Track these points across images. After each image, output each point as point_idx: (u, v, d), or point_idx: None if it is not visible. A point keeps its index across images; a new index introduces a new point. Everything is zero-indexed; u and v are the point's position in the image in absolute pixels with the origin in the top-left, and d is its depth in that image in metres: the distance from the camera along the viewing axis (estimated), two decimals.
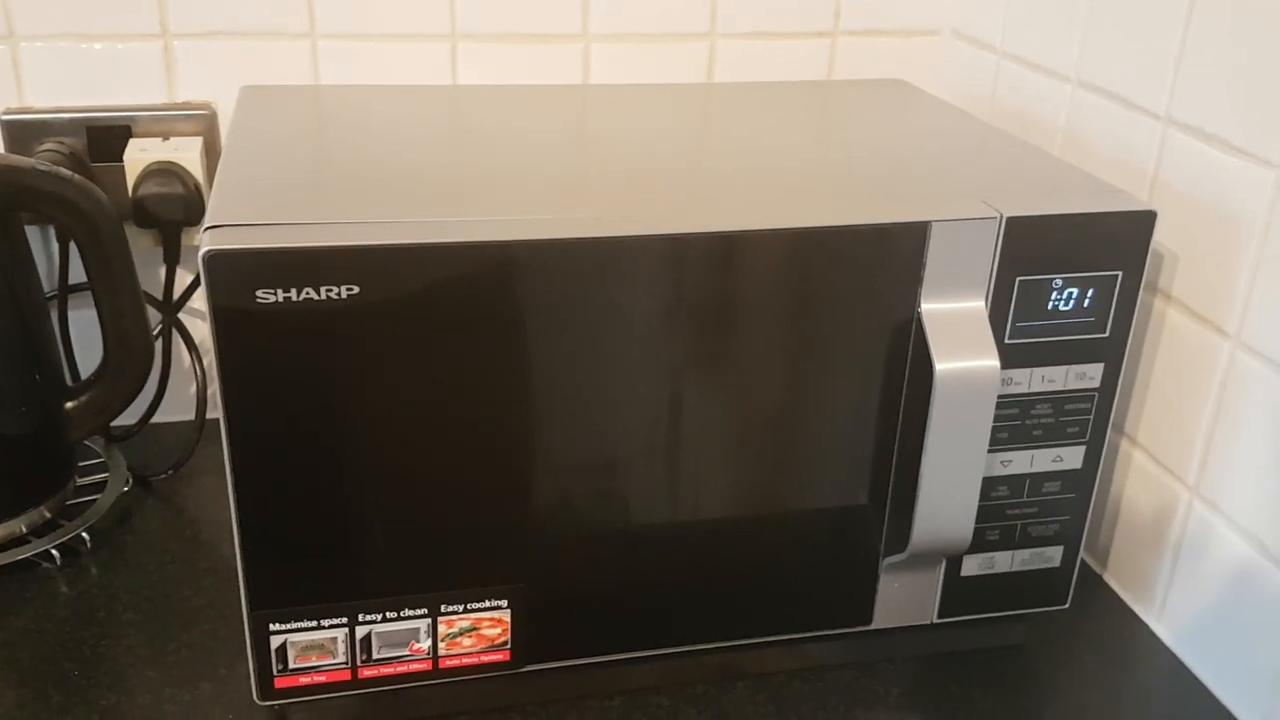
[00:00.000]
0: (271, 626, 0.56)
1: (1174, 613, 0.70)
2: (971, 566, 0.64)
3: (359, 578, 0.57)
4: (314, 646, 0.57)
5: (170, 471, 0.82)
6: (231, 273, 0.49)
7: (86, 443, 0.80)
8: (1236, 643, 0.65)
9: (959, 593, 0.65)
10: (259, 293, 0.50)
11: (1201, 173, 0.66)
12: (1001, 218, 0.57)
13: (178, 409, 0.86)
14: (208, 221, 0.51)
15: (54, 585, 0.71)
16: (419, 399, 0.54)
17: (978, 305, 0.58)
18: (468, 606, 0.59)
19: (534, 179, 0.59)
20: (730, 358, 0.57)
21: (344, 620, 0.57)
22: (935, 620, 0.65)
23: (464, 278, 0.52)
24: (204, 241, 0.50)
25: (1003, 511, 0.63)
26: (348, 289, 0.51)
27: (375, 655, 0.58)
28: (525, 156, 0.63)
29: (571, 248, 0.53)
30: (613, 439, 0.57)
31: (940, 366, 0.57)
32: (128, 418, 0.78)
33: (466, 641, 0.59)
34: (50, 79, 0.79)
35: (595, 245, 0.53)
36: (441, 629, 0.59)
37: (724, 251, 0.54)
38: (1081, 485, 0.64)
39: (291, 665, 0.57)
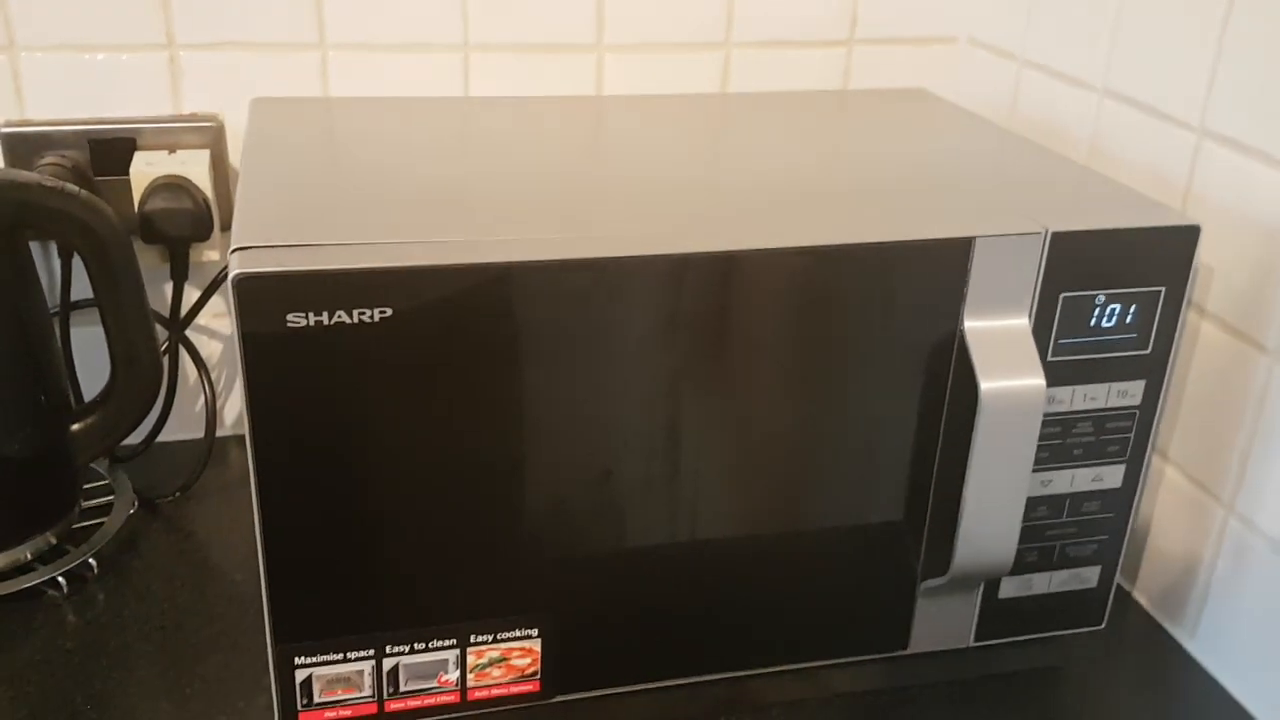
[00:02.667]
0: (297, 660, 0.54)
1: (1208, 633, 0.69)
2: (1009, 588, 0.63)
3: (387, 608, 0.55)
4: (340, 680, 0.55)
5: (177, 494, 0.79)
6: (262, 296, 0.47)
7: (91, 465, 0.78)
8: (1273, 663, 0.64)
9: (996, 615, 0.64)
10: (290, 316, 0.48)
11: (1238, 186, 0.65)
12: (1046, 233, 0.55)
13: (184, 427, 0.84)
14: (235, 242, 0.49)
15: (61, 614, 0.69)
16: (450, 424, 0.52)
17: (1022, 322, 0.57)
18: (497, 636, 0.57)
19: (557, 194, 0.58)
20: (767, 378, 0.55)
21: (371, 652, 0.55)
22: (972, 643, 0.64)
23: (499, 299, 0.50)
24: (233, 264, 0.48)
25: (1042, 532, 0.62)
26: (380, 311, 0.49)
27: (403, 688, 0.56)
28: (545, 171, 0.61)
29: (610, 266, 0.51)
30: (646, 464, 0.55)
31: (985, 386, 0.55)
32: (132, 437, 0.75)
33: (496, 672, 0.57)
34: (52, 90, 0.76)
35: (637, 264, 0.51)
36: (470, 660, 0.57)
37: (761, 270, 0.53)
38: (1120, 505, 0.63)
39: (317, 699, 0.56)
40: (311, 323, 0.48)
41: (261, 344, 0.48)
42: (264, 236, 0.50)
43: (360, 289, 0.48)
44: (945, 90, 0.89)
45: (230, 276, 0.47)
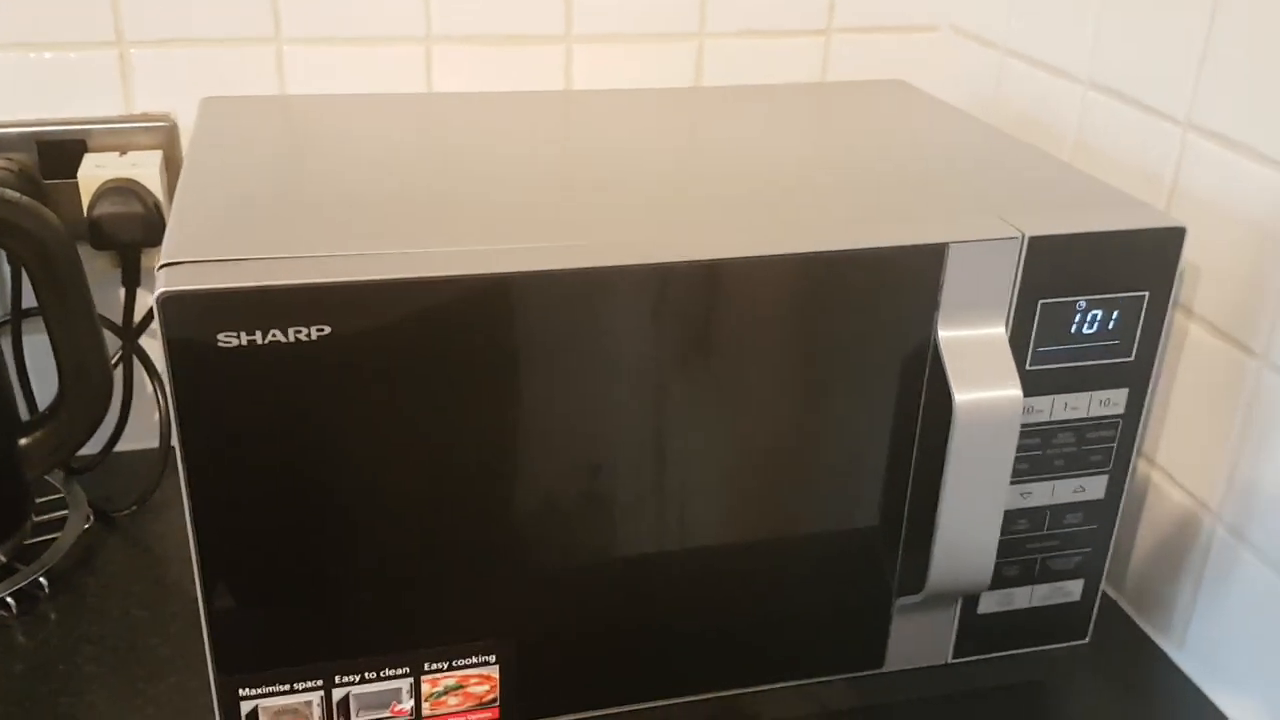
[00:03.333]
0: (241, 692, 0.52)
1: (1196, 644, 0.67)
2: (989, 604, 0.61)
3: (335, 636, 0.53)
4: (287, 711, 0.53)
5: (134, 506, 0.77)
6: (190, 315, 0.45)
7: (44, 476, 0.75)
8: (1261, 675, 0.62)
9: (975, 631, 0.61)
10: (220, 336, 0.45)
11: (1225, 182, 0.62)
12: (1024, 237, 0.53)
13: (141, 437, 0.81)
14: (164, 257, 0.47)
15: (10, 636, 0.66)
16: (396, 443, 0.49)
17: (998, 331, 0.54)
18: (453, 663, 0.54)
19: (515, 203, 0.55)
20: (732, 391, 0.53)
21: (319, 682, 0.53)
22: (950, 660, 0.62)
23: (444, 313, 0.48)
24: (159, 281, 0.45)
25: (1022, 546, 0.60)
26: (318, 329, 0.46)
27: (354, 718, 0.54)
28: (505, 177, 0.58)
29: (559, 279, 0.49)
30: (606, 480, 0.53)
31: (960, 398, 0.53)
32: (89, 447, 0.73)
33: (452, 700, 0.55)
34: None
35: (584, 276, 0.49)
36: (425, 688, 0.54)
37: (723, 280, 0.50)
38: (1104, 516, 0.60)
39: None
40: (244, 342, 0.46)
41: (191, 364, 0.46)
42: (196, 250, 0.47)
43: (297, 306, 0.46)
44: (926, 81, 0.86)
45: (155, 294, 0.44)
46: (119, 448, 0.79)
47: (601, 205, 0.55)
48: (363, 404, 0.48)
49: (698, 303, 0.50)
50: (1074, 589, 0.62)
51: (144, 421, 0.81)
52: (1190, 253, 0.65)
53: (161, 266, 0.46)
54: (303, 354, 0.47)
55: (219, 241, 0.48)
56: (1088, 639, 0.64)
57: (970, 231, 0.53)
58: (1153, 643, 0.69)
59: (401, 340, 0.47)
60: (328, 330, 0.46)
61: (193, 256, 0.46)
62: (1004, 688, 0.65)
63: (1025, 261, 0.53)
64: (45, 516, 0.73)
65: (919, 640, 0.61)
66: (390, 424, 0.49)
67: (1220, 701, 0.65)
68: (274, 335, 0.46)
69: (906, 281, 0.52)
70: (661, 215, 0.54)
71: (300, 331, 0.46)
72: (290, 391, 0.47)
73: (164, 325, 0.45)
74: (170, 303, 0.44)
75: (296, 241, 0.49)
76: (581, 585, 0.55)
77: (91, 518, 0.75)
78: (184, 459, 0.47)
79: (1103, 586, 0.63)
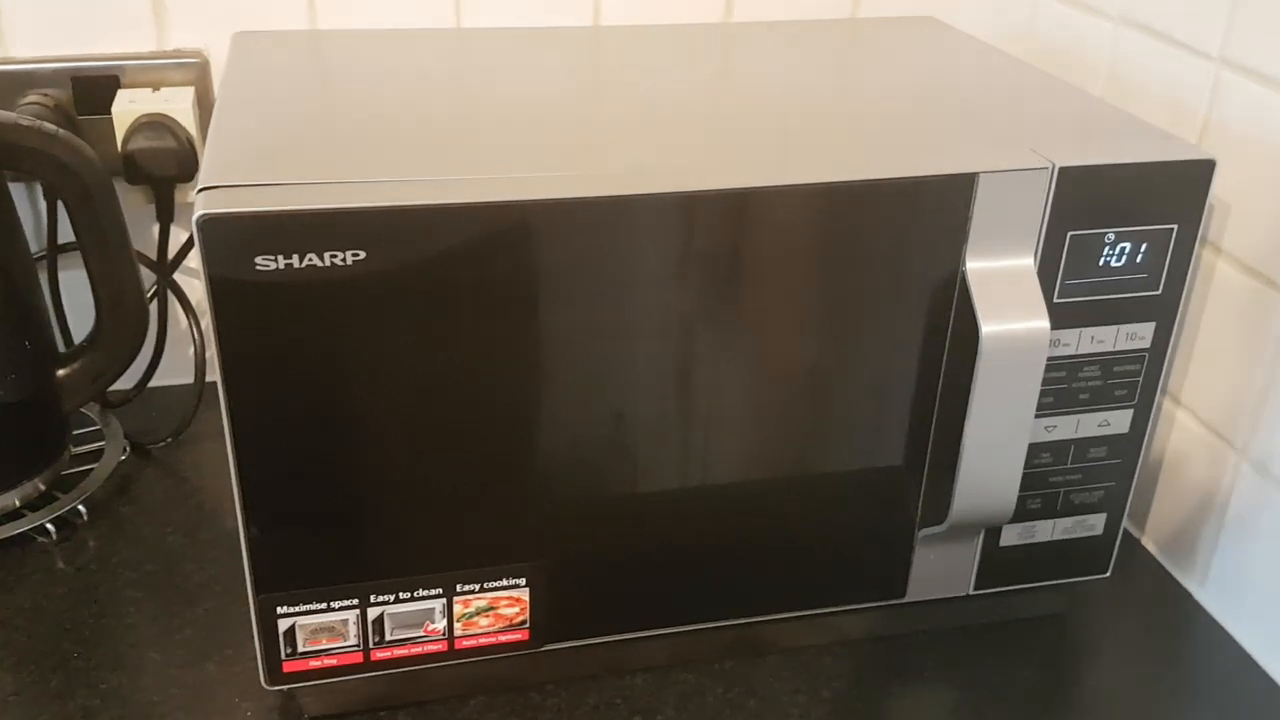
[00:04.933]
0: (279, 610, 0.54)
1: (1218, 581, 0.67)
2: (1011, 536, 0.61)
3: (370, 557, 0.54)
4: (324, 629, 0.55)
5: (170, 439, 0.78)
6: (228, 238, 0.46)
7: (82, 410, 0.77)
8: None
9: (997, 563, 0.62)
10: (258, 260, 0.46)
11: (1258, 117, 0.62)
12: (1054, 168, 0.53)
13: (176, 372, 0.82)
14: (202, 182, 0.47)
15: (50, 561, 0.68)
16: (430, 369, 0.50)
17: (1026, 263, 0.54)
18: (484, 585, 0.56)
19: (546, 133, 0.55)
20: (759, 320, 0.53)
21: (355, 602, 0.54)
22: (972, 592, 0.63)
23: (477, 240, 0.48)
24: (198, 204, 0.46)
25: (1045, 479, 0.60)
26: (353, 254, 0.47)
27: (388, 637, 0.55)
28: (535, 108, 0.59)
29: (591, 206, 0.49)
30: (633, 407, 0.54)
31: (986, 329, 0.53)
32: (124, 382, 0.74)
33: (483, 621, 0.56)
34: (33, 27, 0.74)
35: (616, 204, 0.49)
36: (457, 609, 0.56)
37: (753, 209, 0.51)
38: (1128, 450, 0.61)
39: (301, 649, 0.55)
40: (281, 265, 0.46)
41: (229, 288, 0.46)
42: (233, 176, 0.48)
43: (332, 231, 0.46)
44: (958, 18, 0.85)
45: (195, 217, 0.45)
46: (154, 383, 0.80)
47: (630, 137, 0.55)
48: (396, 329, 0.49)
49: (724, 232, 0.51)
50: (1096, 523, 0.62)
51: (179, 357, 0.83)
52: (1220, 189, 0.65)
53: (200, 190, 0.46)
54: (338, 279, 0.47)
55: (255, 167, 0.49)
56: (1109, 573, 0.64)
57: (1000, 162, 0.53)
58: (1174, 579, 0.70)
59: (435, 266, 0.48)
60: (362, 255, 0.47)
61: (231, 181, 0.47)
62: (1024, 620, 0.66)
63: (1055, 193, 0.53)
64: (83, 448, 0.75)
65: (941, 571, 0.61)
66: (423, 349, 0.50)
67: (1241, 637, 0.66)
68: (310, 260, 0.47)
69: (935, 212, 0.53)
70: (689, 147, 0.54)
71: (336, 256, 0.47)
72: (326, 316, 0.48)
73: (203, 248, 0.46)
74: (209, 225, 0.45)
75: (330, 169, 0.49)
76: (609, 512, 0.56)
77: (128, 449, 0.76)
78: (224, 381, 0.48)
79: (1125, 522, 0.63)
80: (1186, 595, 0.69)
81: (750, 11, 0.83)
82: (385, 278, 0.48)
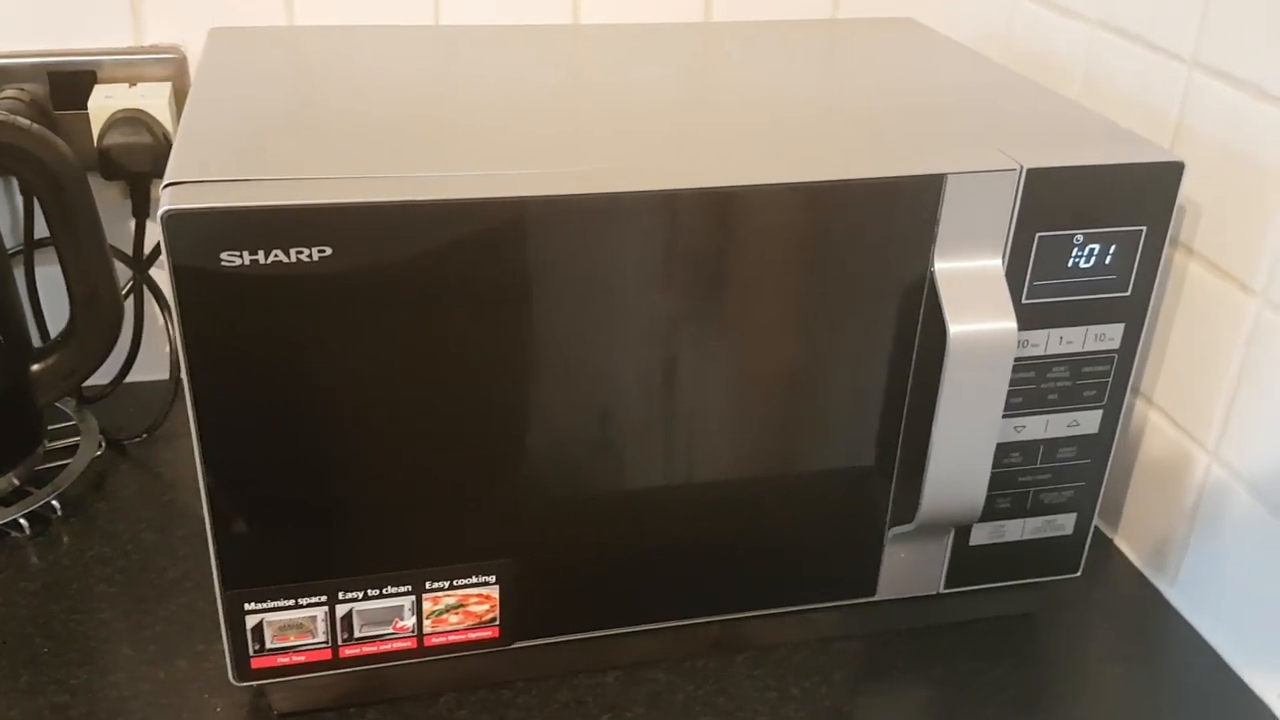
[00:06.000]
0: (246, 606, 0.54)
1: (1189, 579, 0.67)
2: (981, 535, 0.62)
3: (338, 554, 0.54)
4: (292, 626, 0.55)
5: (145, 434, 0.78)
6: (193, 234, 0.46)
7: (57, 404, 0.77)
8: (1253, 612, 0.63)
9: (967, 562, 0.62)
10: (223, 255, 0.46)
11: (1229, 120, 0.62)
12: (1021, 169, 0.53)
13: (152, 368, 0.82)
14: (168, 177, 0.47)
15: (23, 556, 0.68)
16: (398, 366, 0.50)
17: (994, 264, 0.54)
18: (454, 583, 0.56)
19: (521, 131, 0.55)
20: (731, 320, 0.53)
21: (323, 599, 0.54)
22: (942, 590, 0.63)
23: (446, 238, 0.48)
24: (163, 199, 0.46)
25: (1015, 479, 0.60)
26: (319, 250, 0.47)
27: (357, 634, 0.56)
28: (512, 106, 0.59)
29: (563, 205, 0.49)
30: (606, 404, 0.54)
31: (954, 329, 0.53)
32: (100, 377, 0.74)
33: (453, 619, 0.56)
34: (10, 22, 0.74)
35: (589, 202, 0.49)
36: (427, 606, 0.56)
37: (725, 208, 0.51)
38: (1097, 451, 0.61)
39: (269, 645, 0.55)
40: (247, 262, 0.46)
41: (195, 283, 0.46)
42: (201, 170, 0.48)
43: (298, 227, 0.46)
44: (937, 20, 0.86)
45: (159, 212, 0.45)
46: (130, 379, 0.80)
47: (605, 136, 0.55)
48: (364, 326, 0.49)
49: (695, 231, 0.51)
50: (1066, 523, 0.63)
51: (155, 353, 0.83)
52: (1192, 191, 0.65)
53: (166, 185, 0.46)
54: (305, 275, 0.47)
55: (223, 163, 0.49)
56: (1079, 573, 0.65)
57: (968, 163, 0.53)
58: (1145, 578, 0.70)
59: (403, 263, 0.48)
60: (329, 252, 0.47)
61: (197, 176, 0.47)
62: (995, 619, 0.66)
63: (1023, 194, 0.53)
64: (58, 443, 0.75)
65: (912, 569, 0.62)
66: (390, 347, 0.50)
67: (1210, 637, 0.66)
68: (276, 255, 0.47)
69: (904, 213, 0.53)
70: (663, 146, 0.54)
71: (302, 252, 0.47)
72: (293, 312, 0.48)
73: (168, 243, 0.46)
74: (174, 220, 0.45)
75: (300, 165, 0.49)
76: (581, 509, 0.56)
77: (103, 444, 0.76)
78: (189, 378, 0.48)
79: (1096, 522, 0.64)
80: (1158, 595, 0.69)
81: (730, 11, 0.83)
82: (352, 275, 0.48)
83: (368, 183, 0.48)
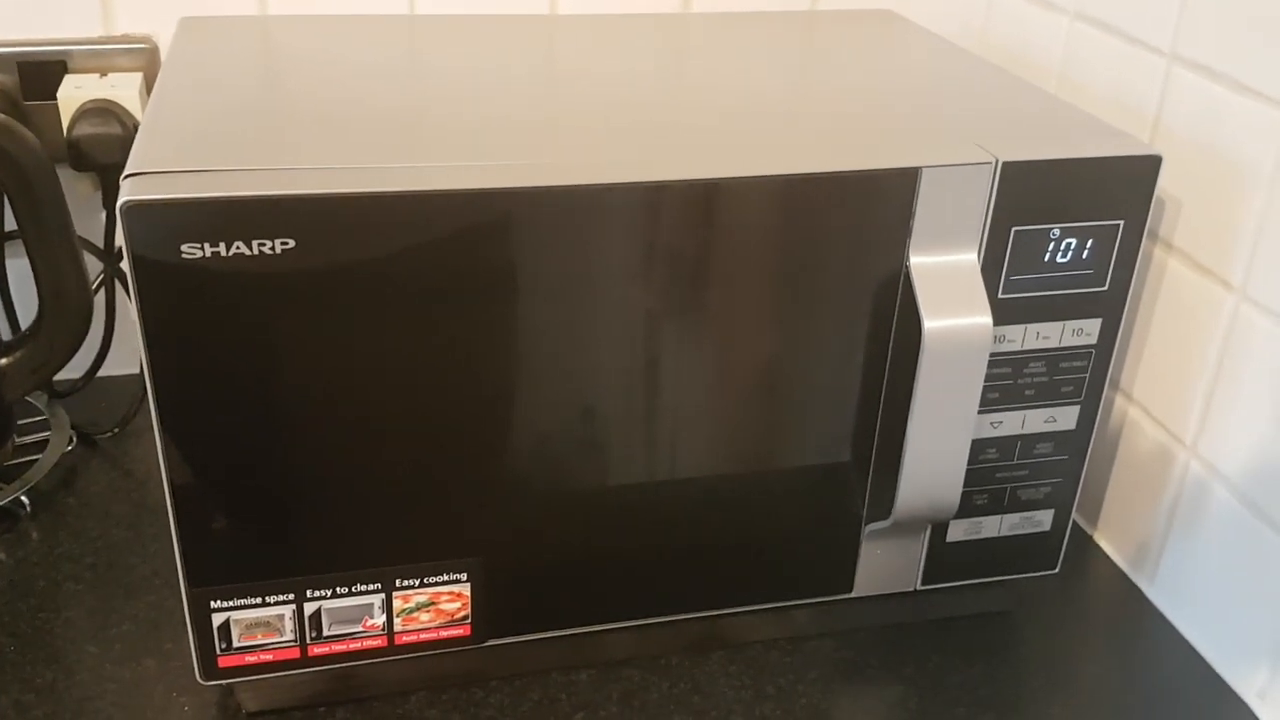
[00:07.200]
0: (213, 604, 0.53)
1: (1167, 577, 0.67)
2: (957, 532, 0.61)
3: (306, 551, 0.53)
4: (259, 624, 0.54)
5: (116, 430, 0.77)
6: (153, 225, 0.45)
7: (29, 399, 0.76)
8: (1232, 609, 0.62)
9: (944, 559, 0.62)
10: (184, 247, 0.45)
11: (1207, 114, 0.61)
12: (997, 163, 0.52)
13: (125, 362, 0.81)
14: (129, 168, 0.46)
15: None
16: (362, 360, 0.50)
17: (969, 258, 0.54)
18: (424, 580, 0.55)
19: (496, 122, 0.55)
20: (707, 314, 0.53)
21: (290, 597, 0.54)
22: (919, 588, 0.62)
23: (415, 230, 0.47)
24: (123, 190, 0.45)
25: (991, 475, 0.60)
26: (281, 243, 0.46)
27: (326, 632, 0.55)
28: (487, 97, 0.58)
29: (536, 197, 0.48)
30: (578, 399, 0.53)
31: (929, 324, 0.53)
32: (72, 371, 0.73)
33: (424, 617, 0.56)
34: None
35: (562, 194, 0.48)
36: (397, 604, 0.55)
37: (702, 200, 0.50)
38: (1075, 447, 0.60)
39: (236, 644, 0.54)
40: (208, 254, 0.46)
41: (155, 276, 0.46)
42: (162, 161, 0.47)
43: (259, 219, 0.46)
44: (917, 13, 0.85)
45: (119, 204, 0.44)
46: (102, 373, 0.79)
47: (580, 128, 0.54)
48: (327, 319, 0.48)
49: (669, 225, 0.50)
50: (1044, 519, 0.62)
51: (127, 347, 0.81)
52: (1171, 186, 0.64)
53: (126, 176, 0.46)
54: (267, 267, 0.47)
55: (186, 154, 0.48)
56: (1057, 569, 0.64)
57: (943, 156, 0.52)
58: (1123, 575, 0.70)
59: (368, 256, 0.47)
60: (292, 244, 0.46)
61: (158, 168, 0.46)
62: (972, 616, 0.66)
63: (998, 188, 0.53)
64: (28, 438, 0.74)
65: (888, 566, 0.61)
66: (354, 340, 0.49)
67: (1189, 635, 0.65)
68: (238, 247, 0.46)
69: (879, 206, 0.52)
70: (639, 138, 0.54)
71: (264, 245, 0.46)
72: (255, 305, 0.47)
73: (127, 235, 0.45)
74: (133, 212, 0.44)
75: (266, 156, 0.49)
76: (553, 506, 0.55)
77: (74, 439, 0.75)
78: (150, 371, 0.48)
79: (1074, 518, 0.63)
80: (1135, 591, 0.69)
81: (709, 2, 0.83)
82: (317, 267, 0.47)
83: (331, 173, 0.47)
